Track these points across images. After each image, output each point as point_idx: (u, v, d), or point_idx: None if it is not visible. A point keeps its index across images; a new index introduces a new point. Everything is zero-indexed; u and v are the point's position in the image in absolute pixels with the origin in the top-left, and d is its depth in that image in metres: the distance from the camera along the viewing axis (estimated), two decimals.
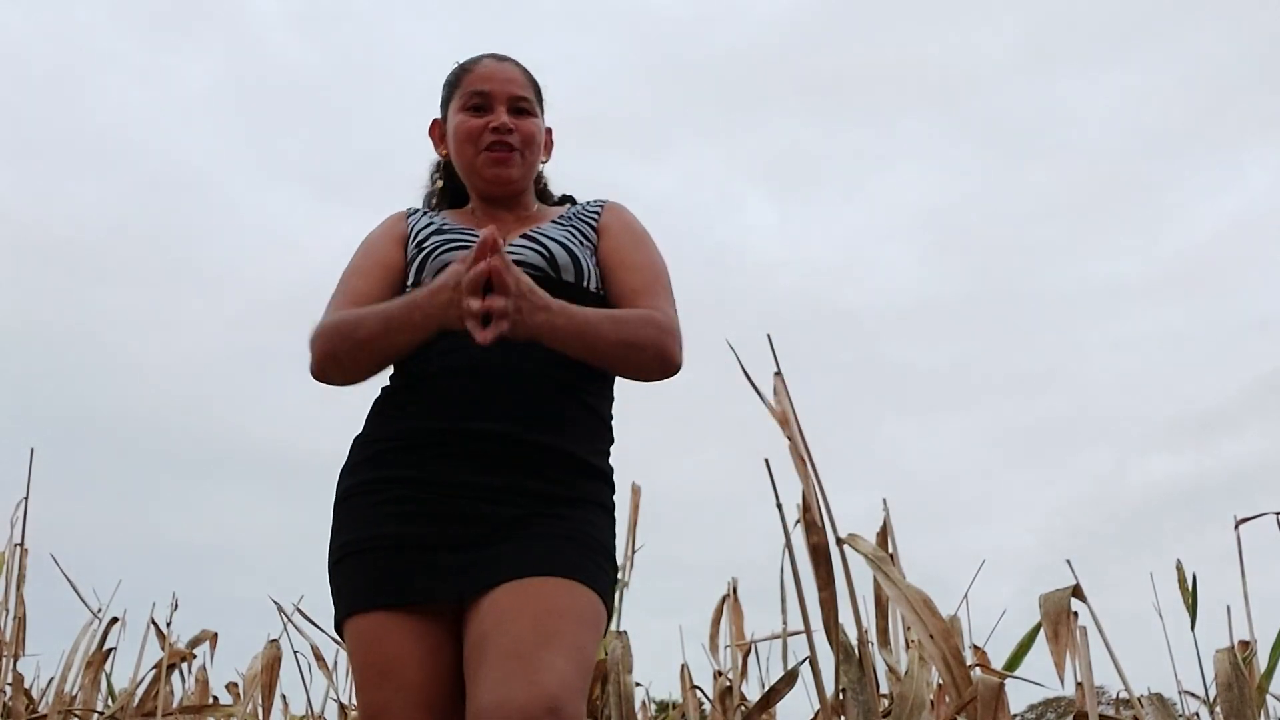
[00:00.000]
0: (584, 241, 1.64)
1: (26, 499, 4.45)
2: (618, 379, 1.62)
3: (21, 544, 4.43)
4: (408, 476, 1.48)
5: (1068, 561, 2.69)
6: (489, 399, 1.49)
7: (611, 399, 1.63)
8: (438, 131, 1.78)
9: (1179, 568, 3.55)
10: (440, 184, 1.84)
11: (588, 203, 1.75)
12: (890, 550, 3.05)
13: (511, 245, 1.59)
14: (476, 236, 1.59)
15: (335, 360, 1.53)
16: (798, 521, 2.60)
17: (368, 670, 1.43)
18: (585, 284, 1.59)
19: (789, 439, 2.55)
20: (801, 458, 2.55)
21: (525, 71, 1.73)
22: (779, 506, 2.64)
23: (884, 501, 3.23)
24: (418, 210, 1.75)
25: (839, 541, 2.57)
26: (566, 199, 1.83)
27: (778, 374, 2.56)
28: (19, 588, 4.41)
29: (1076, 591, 2.61)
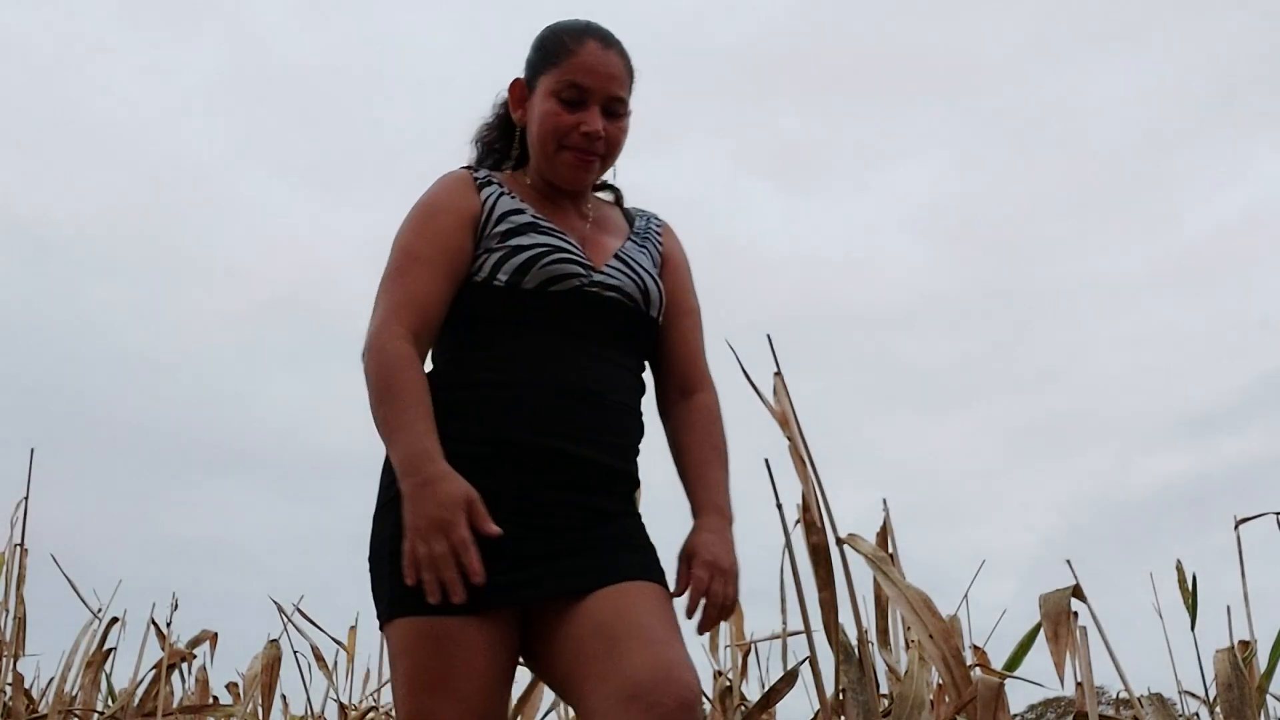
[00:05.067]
0: (657, 267, 1.66)
1: (26, 499, 4.47)
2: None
3: (21, 544, 4.44)
4: (483, 487, 1.43)
5: (1068, 561, 2.70)
6: (582, 423, 1.50)
7: None
8: (518, 93, 1.67)
9: (1179, 568, 3.55)
10: (495, 138, 1.74)
11: (647, 218, 1.73)
12: (890, 550, 3.04)
13: (610, 267, 1.58)
14: (576, 248, 1.57)
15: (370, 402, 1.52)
16: (798, 521, 2.60)
17: (421, 675, 1.42)
18: (659, 317, 1.63)
19: (789, 439, 2.55)
20: (801, 458, 2.56)
21: (626, 61, 1.63)
22: (779, 506, 2.64)
23: (884, 501, 3.23)
24: (486, 177, 1.64)
25: (839, 541, 2.57)
26: (610, 188, 1.77)
27: (778, 374, 2.56)
28: (19, 588, 4.41)
29: (1076, 591, 2.61)
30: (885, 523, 3.19)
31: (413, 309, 1.52)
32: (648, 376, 1.67)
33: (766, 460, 2.62)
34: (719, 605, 1.51)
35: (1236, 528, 3.59)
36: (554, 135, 1.59)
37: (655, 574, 1.51)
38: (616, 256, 1.61)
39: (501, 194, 1.61)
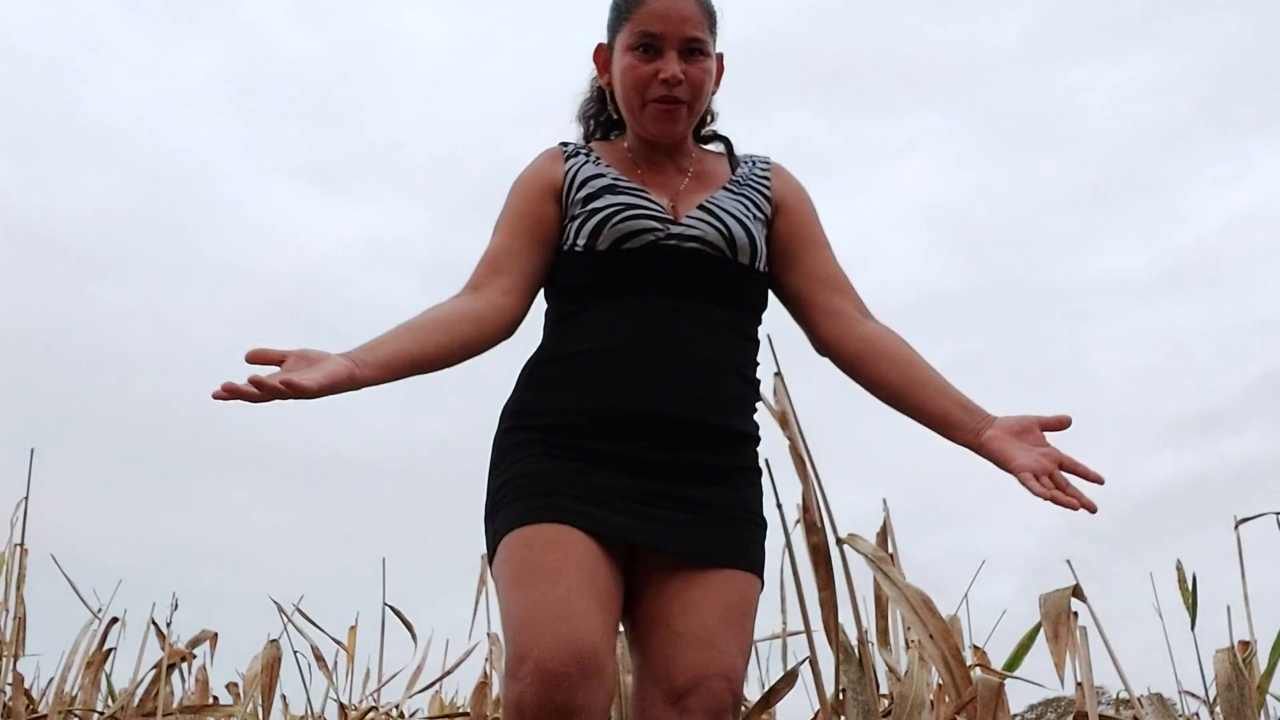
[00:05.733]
0: (757, 214, 1.60)
1: (26, 499, 4.46)
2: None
3: (21, 544, 4.44)
4: (584, 447, 1.49)
5: (1068, 561, 2.70)
6: (662, 383, 1.49)
7: (759, 363, 1.64)
8: (602, 57, 1.67)
9: (1179, 568, 3.54)
10: (595, 111, 1.73)
11: (752, 162, 1.68)
12: (890, 550, 3.04)
13: (690, 217, 1.55)
14: (653, 202, 1.56)
15: None
16: (798, 521, 2.60)
17: (522, 572, 1.40)
18: (756, 264, 1.58)
19: (789, 439, 2.55)
20: (801, 458, 2.55)
21: (700, 1, 1.60)
22: (779, 506, 2.63)
23: (884, 501, 3.22)
24: (575, 149, 1.66)
25: (839, 541, 2.57)
26: (721, 139, 1.74)
27: (778, 374, 2.56)
28: (19, 588, 4.41)
29: (1076, 591, 2.61)
30: (885, 523, 3.19)
31: (482, 269, 1.58)
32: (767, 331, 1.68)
33: (766, 460, 2.60)
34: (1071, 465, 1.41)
35: (1236, 528, 3.59)
36: (635, 89, 1.58)
37: (746, 556, 1.51)
38: (701, 206, 1.57)
39: (586, 162, 1.62)
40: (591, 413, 1.49)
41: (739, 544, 1.52)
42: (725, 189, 1.62)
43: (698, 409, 1.50)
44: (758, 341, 1.62)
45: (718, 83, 1.68)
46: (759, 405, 1.63)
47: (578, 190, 1.59)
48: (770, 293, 1.65)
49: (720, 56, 1.66)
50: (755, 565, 1.53)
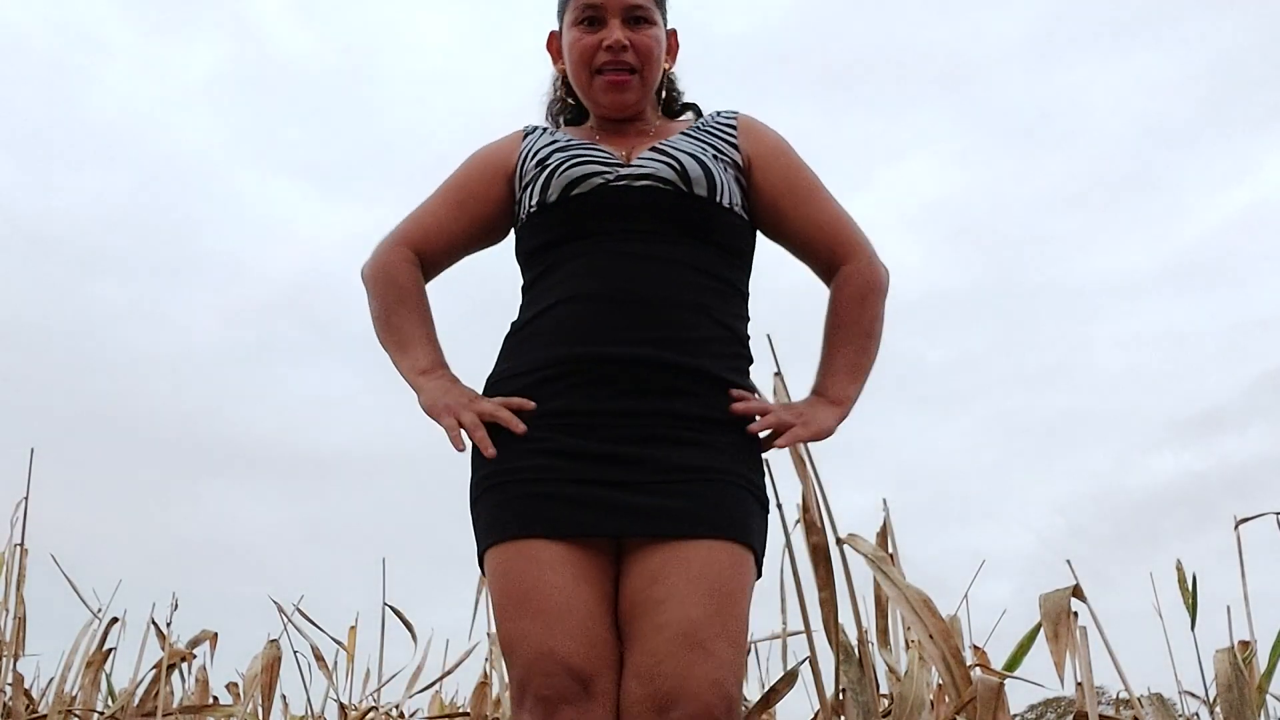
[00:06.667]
0: (718, 155, 1.57)
1: (26, 499, 4.45)
2: (751, 298, 1.61)
3: (21, 544, 4.43)
4: (549, 409, 1.45)
5: (1068, 561, 2.69)
6: (621, 324, 1.46)
7: (748, 318, 1.59)
8: (555, 45, 1.68)
9: (1179, 568, 3.54)
10: (562, 98, 1.73)
11: (716, 114, 1.66)
12: (890, 550, 3.04)
13: (640, 158, 1.54)
14: (603, 152, 1.56)
15: (371, 313, 1.64)
16: (798, 521, 2.60)
17: (507, 601, 1.39)
18: (718, 199, 1.53)
19: None
20: (801, 458, 2.55)
21: None
22: (779, 506, 2.63)
23: (884, 501, 3.22)
24: (537, 129, 1.67)
25: (839, 541, 2.57)
26: (690, 107, 1.73)
27: (778, 374, 2.56)
28: (19, 588, 4.41)
29: (1076, 591, 2.61)
30: (885, 523, 3.18)
31: (416, 231, 1.64)
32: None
33: (766, 460, 2.61)
34: (779, 424, 1.50)
35: (1236, 528, 3.58)
36: (582, 61, 1.59)
37: (730, 524, 1.41)
38: (652, 148, 1.56)
39: (542, 135, 1.63)
40: (556, 362, 1.46)
41: (723, 511, 1.41)
42: (682, 134, 1.61)
43: (662, 348, 1.44)
44: (738, 289, 1.57)
45: (672, 57, 1.68)
46: (749, 366, 1.58)
47: (531, 160, 1.59)
48: (763, 240, 1.63)
49: (673, 33, 1.67)
50: (741, 533, 1.41)
